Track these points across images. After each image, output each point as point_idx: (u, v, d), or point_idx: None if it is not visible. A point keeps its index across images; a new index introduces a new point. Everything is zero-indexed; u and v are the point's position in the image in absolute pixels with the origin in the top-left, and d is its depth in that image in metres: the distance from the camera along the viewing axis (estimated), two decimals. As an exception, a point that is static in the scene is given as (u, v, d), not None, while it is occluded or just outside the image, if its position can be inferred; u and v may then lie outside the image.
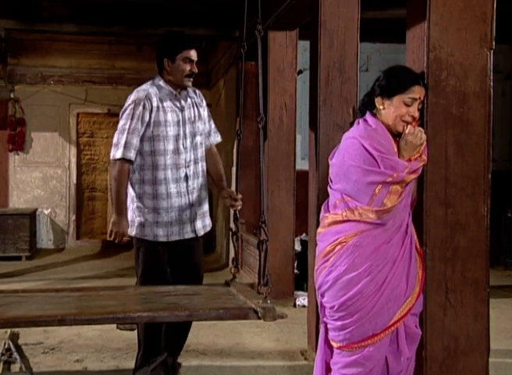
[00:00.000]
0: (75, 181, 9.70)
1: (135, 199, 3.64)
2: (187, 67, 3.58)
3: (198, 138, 3.71)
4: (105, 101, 9.60)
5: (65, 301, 2.95)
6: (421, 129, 2.62)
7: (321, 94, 4.05)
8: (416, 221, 2.71)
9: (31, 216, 8.91)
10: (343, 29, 4.09)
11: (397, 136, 2.67)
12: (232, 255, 7.66)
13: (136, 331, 3.84)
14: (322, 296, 2.77)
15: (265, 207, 3.10)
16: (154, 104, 3.55)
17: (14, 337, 4.48)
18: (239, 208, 3.71)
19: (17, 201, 9.52)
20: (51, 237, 9.62)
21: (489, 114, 2.72)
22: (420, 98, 2.63)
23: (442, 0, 2.68)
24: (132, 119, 3.52)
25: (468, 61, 2.71)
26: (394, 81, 2.64)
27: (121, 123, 3.57)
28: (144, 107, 3.52)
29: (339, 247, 2.67)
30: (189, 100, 3.71)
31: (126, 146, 3.50)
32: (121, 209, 3.56)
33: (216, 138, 3.94)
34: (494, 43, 2.71)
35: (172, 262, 3.76)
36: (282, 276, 5.79)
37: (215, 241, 9.11)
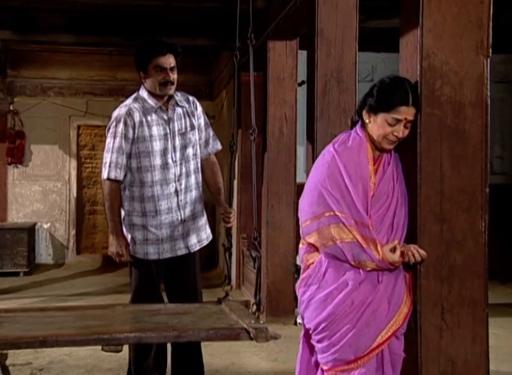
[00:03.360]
0: (75, 195, 9.66)
1: (125, 216, 3.61)
2: (160, 76, 3.53)
3: (190, 150, 3.65)
4: (107, 113, 9.44)
5: (50, 322, 2.91)
6: (414, 252, 2.56)
7: (318, 105, 4.00)
8: (409, 237, 2.62)
9: (30, 230, 8.88)
10: (340, 37, 4.05)
11: (384, 150, 2.61)
12: (234, 270, 7.59)
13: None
14: (302, 317, 2.70)
15: (258, 223, 3.07)
16: (137, 119, 3.51)
17: (2, 358, 4.39)
18: (231, 225, 3.66)
19: (16, 215, 9.50)
20: (51, 252, 9.58)
21: (486, 125, 2.62)
22: (406, 119, 2.53)
23: (436, 5, 2.59)
24: (115, 137, 3.51)
25: (464, 69, 2.62)
26: (380, 98, 2.55)
27: (106, 141, 3.58)
28: (125, 124, 3.49)
29: (312, 265, 2.60)
30: (179, 110, 3.64)
31: (112, 165, 3.50)
32: (116, 229, 3.56)
33: (215, 146, 3.87)
34: (491, 50, 2.63)
35: (167, 279, 3.73)
36: (283, 292, 5.71)
37: (217, 256, 9.02)
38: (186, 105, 3.70)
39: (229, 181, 3.66)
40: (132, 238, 3.58)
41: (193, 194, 3.66)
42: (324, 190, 2.53)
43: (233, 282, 7.58)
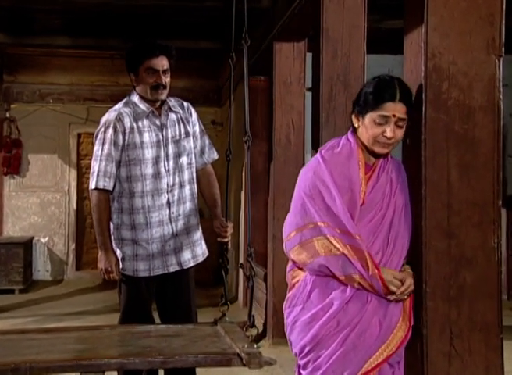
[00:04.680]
0: (75, 207, 9.64)
1: (113, 230, 3.57)
2: (151, 78, 3.50)
3: (184, 159, 3.60)
4: (108, 120, 9.57)
5: (28, 345, 2.85)
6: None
7: (323, 111, 3.94)
8: (414, 254, 2.54)
9: (26, 244, 8.85)
10: (347, 38, 3.99)
11: (377, 156, 2.53)
12: (241, 288, 7.53)
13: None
14: (289, 342, 2.63)
15: (252, 238, 3.05)
16: (127, 125, 3.47)
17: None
18: (227, 240, 3.62)
19: (12, 228, 9.49)
20: (49, 268, 9.56)
21: (498, 131, 2.54)
22: (394, 116, 2.44)
23: (443, 0, 2.52)
24: (103, 144, 3.47)
25: (473, 70, 2.53)
26: (365, 98, 2.50)
27: (94, 149, 3.54)
28: (115, 130, 3.45)
29: (298, 283, 2.55)
30: (172, 116, 3.60)
31: (100, 175, 3.46)
32: (105, 243, 3.52)
33: (211, 156, 3.83)
34: (503, 49, 2.55)
35: (159, 298, 3.70)
36: (290, 312, 5.61)
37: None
38: (180, 111, 3.65)
39: (226, 193, 3.60)
40: (121, 254, 3.54)
41: (187, 206, 3.61)
42: (307, 199, 2.47)
43: (240, 300, 7.51)
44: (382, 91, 2.46)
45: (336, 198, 2.43)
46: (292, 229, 2.52)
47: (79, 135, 9.69)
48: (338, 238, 2.40)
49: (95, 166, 3.48)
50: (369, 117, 2.47)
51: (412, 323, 2.52)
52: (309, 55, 5.78)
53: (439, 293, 2.55)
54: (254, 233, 7.16)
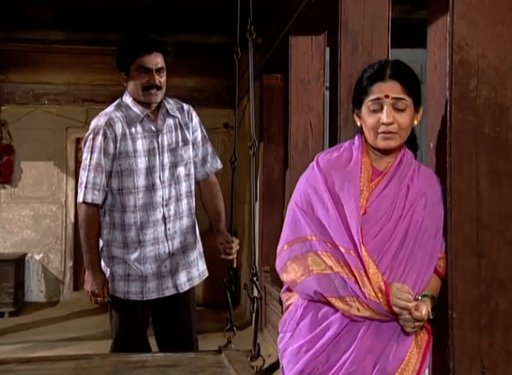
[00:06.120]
0: (73, 220, 9.64)
1: (104, 247, 3.57)
2: (143, 78, 3.49)
3: (182, 169, 3.59)
4: (110, 124, 9.60)
5: (4, 379, 2.86)
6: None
7: (341, 112, 3.89)
8: (438, 276, 2.49)
9: (18, 262, 8.88)
10: (369, 30, 3.94)
11: (387, 152, 2.46)
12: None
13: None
14: (281, 368, 2.57)
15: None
16: (119, 131, 3.47)
17: None
18: (232, 257, 3.62)
19: (3, 244, 9.52)
20: (43, 288, 9.58)
21: (535, 134, 2.49)
22: (388, 96, 2.36)
23: (470, -16, 2.48)
24: (92, 152, 3.48)
25: (506, 64, 2.48)
26: (356, 88, 2.48)
27: (83, 158, 3.54)
28: (104, 136, 3.46)
29: (290, 306, 2.50)
30: (170, 121, 3.59)
31: (88, 187, 3.47)
32: (93, 263, 3.52)
33: (214, 165, 3.82)
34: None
35: (155, 323, 3.72)
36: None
37: (240, 293, 8.95)
38: (179, 115, 3.64)
39: (231, 204, 3.57)
40: (111, 273, 3.54)
41: (185, 221, 3.61)
42: (298, 210, 2.43)
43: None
44: (371, 74, 2.43)
45: (329, 207, 2.36)
46: (282, 244, 2.48)
47: (77, 140, 9.66)
48: (330, 254, 2.32)
49: (83, 176, 3.49)
50: (364, 108, 2.43)
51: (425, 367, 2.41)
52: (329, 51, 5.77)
53: (467, 320, 2.49)
54: (270, 248, 7.16)
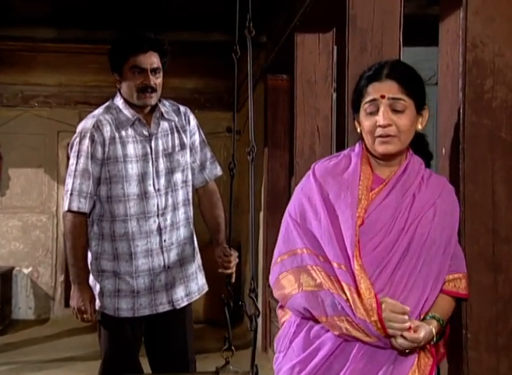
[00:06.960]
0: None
1: (92, 260, 3.55)
2: (138, 79, 3.49)
3: (179, 175, 3.59)
4: (104, 128, 9.61)
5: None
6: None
7: (349, 115, 3.87)
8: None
9: (5, 276, 8.88)
10: (379, 27, 3.91)
11: (389, 159, 2.42)
12: (260, 328, 7.45)
13: None
14: None
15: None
16: (107, 134, 3.47)
17: None
18: (231, 271, 3.61)
19: (-12, 257, 9.52)
20: (32, 305, 9.57)
21: (556, 138, 2.47)
22: (384, 96, 2.33)
23: (486, -23, 2.47)
24: (78, 157, 3.48)
25: (525, 63, 2.48)
26: (353, 90, 2.47)
27: (69, 163, 3.55)
28: (92, 140, 3.46)
29: (285, 323, 2.49)
30: (165, 124, 3.59)
31: (74, 194, 3.47)
32: (79, 277, 3.51)
33: (214, 171, 3.80)
34: None
35: (148, 342, 3.72)
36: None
37: (242, 309, 8.92)
38: (176, 118, 3.63)
39: (230, 214, 3.57)
40: (100, 289, 3.53)
41: (182, 232, 3.60)
42: (292, 221, 2.41)
43: (259, 343, 7.44)
44: (368, 75, 2.43)
45: (322, 218, 2.33)
46: (275, 258, 2.47)
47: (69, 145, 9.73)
48: (320, 268, 2.29)
49: (69, 183, 3.49)
50: (362, 112, 2.41)
51: None
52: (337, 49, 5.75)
53: (483, 340, 2.48)
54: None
